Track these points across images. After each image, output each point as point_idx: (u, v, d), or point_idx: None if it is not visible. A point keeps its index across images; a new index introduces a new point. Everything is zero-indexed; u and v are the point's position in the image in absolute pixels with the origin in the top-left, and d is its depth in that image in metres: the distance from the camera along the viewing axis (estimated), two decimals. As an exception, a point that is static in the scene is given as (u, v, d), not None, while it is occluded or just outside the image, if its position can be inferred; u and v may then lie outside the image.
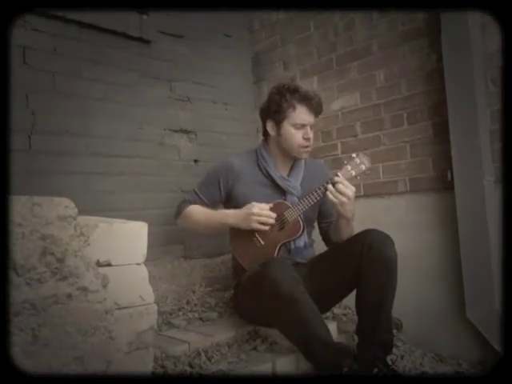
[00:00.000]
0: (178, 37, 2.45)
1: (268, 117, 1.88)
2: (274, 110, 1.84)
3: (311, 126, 1.84)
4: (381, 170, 2.26)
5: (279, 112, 1.82)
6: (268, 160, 1.90)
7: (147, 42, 2.31)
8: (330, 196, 1.66)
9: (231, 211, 1.84)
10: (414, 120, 2.16)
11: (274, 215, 1.74)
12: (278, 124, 1.84)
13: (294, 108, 1.80)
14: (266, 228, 1.75)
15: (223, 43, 2.67)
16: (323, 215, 1.96)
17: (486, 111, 1.91)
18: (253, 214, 1.73)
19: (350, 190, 1.66)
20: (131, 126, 2.23)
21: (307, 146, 1.85)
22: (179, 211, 1.93)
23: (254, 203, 1.75)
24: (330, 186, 1.67)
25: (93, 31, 2.11)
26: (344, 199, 1.65)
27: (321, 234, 2.01)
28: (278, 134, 1.86)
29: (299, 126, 1.81)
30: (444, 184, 2.03)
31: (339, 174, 1.71)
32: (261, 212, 1.73)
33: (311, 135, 1.83)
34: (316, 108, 1.83)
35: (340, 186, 1.66)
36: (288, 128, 1.83)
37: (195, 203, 1.91)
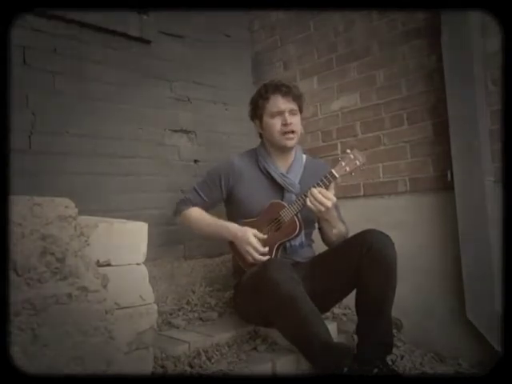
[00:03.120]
0: (178, 37, 2.45)
1: (252, 117, 1.96)
2: (254, 108, 1.92)
3: (292, 112, 1.86)
4: (381, 170, 2.26)
5: (257, 108, 1.90)
6: (266, 157, 1.91)
7: (147, 41, 2.30)
8: (308, 202, 1.69)
9: (229, 227, 1.84)
10: (414, 120, 2.15)
11: (262, 258, 1.75)
12: (261, 120, 1.91)
13: (268, 99, 1.86)
14: (252, 260, 1.78)
15: (223, 43, 2.67)
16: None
17: (486, 111, 1.91)
18: (245, 250, 1.78)
19: (329, 202, 1.68)
20: (131, 126, 2.23)
21: (288, 132, 1.85)
22: (179, 210, 1.94)
23: (251, 234, 1.77)
24: (309, 192, 1.69)
25: (93, 31, 2.11)
26: (321, 208, 1.68)
27: (321, 237, 2.00)
28: (262, 129, 1.92)
29: (275, 113, 1.85)
30: (444, 184, 2.03)
31: (333, 170, 1.72)
32: (252, 253, 1.76)
33: (291, 120, 1.85)
34: (290, 93, 1.85)
35: (318, 196, 1.67)
36: (267, 120, 1.88)
37: (196, 202, 1.92)
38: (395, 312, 1.72)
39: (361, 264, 1.64)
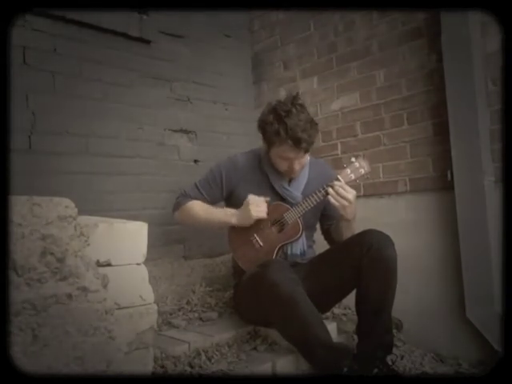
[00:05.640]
0: (178, 37, 2.45)
1: (261, 133, 1.82)
2: (263, 134, 1.79)
3: (300, 157, 1.75)
4: (381, 170, 2.26)
5: (266, 139, 1.77)
6: (269, 168, 1.87)
7: (147, 41, 2.31)
8: (332, 200, 1.67)
9: (233, 210, 1.82)
10: (414, 120, 2.15)
11: (264, 202, 1.76)
12: (268, 147, 1.80)
13: (280, 143, 1.70)
14: (265, 215, 1.75)
15: (223, 43, 2.67)
16: (326, 217, 1.96)
17: (486, 111, 1.91)
18: (250, 204, 1.74)
19: (350, 194, 1.67)
20: (131, 126, 2.23)
21: (292, 172, 1.81)
22: (179, 204, 1.89)
23: (249, 196, 1.76)
24: (330, 190, 1.67)
25: (93, 31, 2.11)
26: (345, 203, 1.67)
27: (322, 233, 2.01)
28: (268, 151, 1.82)
29: (284, 158, 1.75)
30: (444, 184, 2.03)
31: (339, 177, 1.71)
32: (256, 201, 1.75)
33: (297, 165, 1.77)
34: (304, 147, 1.70)
35: (341, 190, 1.66)
36: (274, 155, 1.79)
37: (196, 198, 1.88)
38: (395, 312, 1.72)
39: (361, 264, 1.64)
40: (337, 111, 2.45)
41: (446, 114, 1.96)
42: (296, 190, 1.86)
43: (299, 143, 1.67)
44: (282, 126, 1.67)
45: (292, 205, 1.81)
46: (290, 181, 1.87)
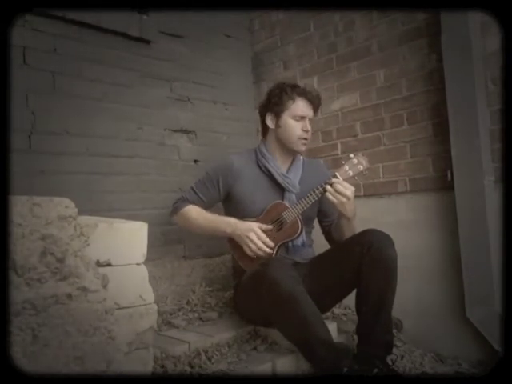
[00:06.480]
0: (178, 37, 2.45)
1: (267, 110, 1.91)
2: (274, 102, 1.87)
3: (310, 120, 1.88)
4: (381, 170, 2.26)
5: (279, 104, 1.86)
6: (267, 156, 1.90)
7: (147, 41, 2.31)
8: (330, 197, 1.68)
9: (231, 221, 1.82)
10: (413, 120, 2.16)
11: (267, 250, 1.74)
12: (278, 116, 1.87)
13: (294, 100, 1.85)
14: (253, 255, 1.75)
15: (223, 43, 2.67)
16: (324, 214, 1.97)
17: (486, 111, 1.91)
18: (248, 238, 1.74)
19: (349, 191, 1.67)
20: (131, 126, 2.23)
21: (306, 139, 1.87)
22: (176, 209, 1.91)
23: (255, 225, 1.76)
24: (328, 187, 1.68)
25: (93, 31, 2.11)
26: (343, 199, 1.67)
27: (323, 233, 2.01)
28: (277, 125, 1.88)
29: (298, 117, 1.85)
30: (444, 184, 2.03)
31: (337, 174, 1.72)
32: (255, 241, 1.73)
33: (310, 128, 1.87)
34: (315, 102, 1.88)
35: (339, 187, 1.67)
36: (287, 120, 1.86)
37: (193, 202, 1.89)
38: (395, 312, 1.72)
39: (361, 264, 1.64)
40: (337, 111, 2.45)
41: (446, 113, 1.96)
42: (294, 178, 1.89)
43: (312, 95, 1.87)
44: (295, 87, 1.88)
45: (290, 194, 1.84)
46: (287, 170, 1.91)
